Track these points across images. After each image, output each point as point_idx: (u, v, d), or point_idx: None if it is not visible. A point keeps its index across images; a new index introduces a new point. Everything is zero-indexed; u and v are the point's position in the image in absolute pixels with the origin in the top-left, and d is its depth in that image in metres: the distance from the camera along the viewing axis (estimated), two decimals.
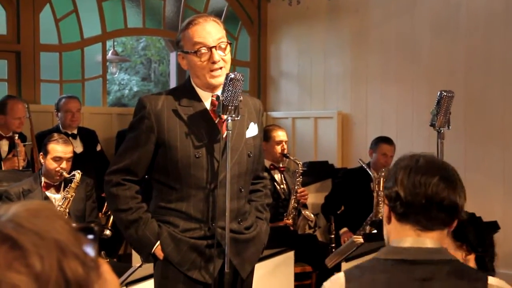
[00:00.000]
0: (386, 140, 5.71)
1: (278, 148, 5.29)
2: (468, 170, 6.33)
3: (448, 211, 1.79)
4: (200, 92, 2.79)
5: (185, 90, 2.80)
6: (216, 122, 2.75)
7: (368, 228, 5.19)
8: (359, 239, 3.81)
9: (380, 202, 5.25)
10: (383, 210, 1.88)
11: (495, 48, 6.16)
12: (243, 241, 2.81)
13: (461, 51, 6.38)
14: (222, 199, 2.69)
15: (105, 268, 1.10)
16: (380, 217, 5.20)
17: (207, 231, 2.72)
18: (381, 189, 5.28)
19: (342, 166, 7.05)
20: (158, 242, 2.70)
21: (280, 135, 5.33)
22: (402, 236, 1.82)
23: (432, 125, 3.12)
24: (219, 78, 2.72)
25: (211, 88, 2.77)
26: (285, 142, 5.36)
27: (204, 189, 2.71)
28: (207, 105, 2.78)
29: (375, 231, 4.85)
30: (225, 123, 2.70)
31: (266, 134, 5.27)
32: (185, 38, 2.75)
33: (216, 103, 2.74)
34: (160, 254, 2.71)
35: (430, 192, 1.77)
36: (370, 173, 5.43)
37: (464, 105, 6.26)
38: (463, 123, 6.29)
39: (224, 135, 2.73)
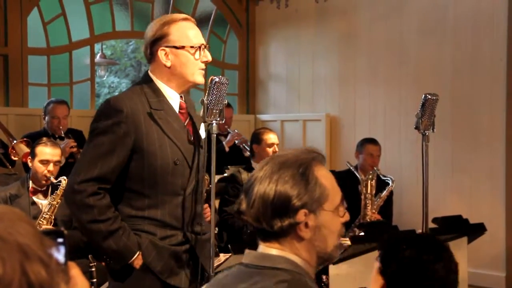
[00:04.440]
0: (371, 141, 5.75)
1: (270, 151, 5.30)
2: (455, 172, 6.36)
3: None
4: (169, 92, 2.68)
5: (153, 91, 2.65)
6: (185, 124, 2.71)
7: (355, 230, 5.20)
8: (346, 241, 3.81)
9: (368, 205, 5.28)
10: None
11: (482, 50, 6.19)
12: (204, 241, 2.82)
13: (449, 53, 6.41)
14: (193, 204, 2.68)
15: (75, 271, 1.10)
16: (368, 220, 5.22)
17: (182, 237, 2.69)
18: (368, 191, 5.30)
19: (330, 169, 7.04)
20: (139, 252, 2.60)
21: (271, 137, 5.36)
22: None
23: (417, 127, 3.13)
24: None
25: (190, 87, 2.73)
26: (277, 144, 5.38)
27: (179, 195, 2.66)
28: (175, 106, 2.70)
29: (362, 233, 4.86)
30: (191, 125, 2.70)
31: (257, 137, 5.32)
32: (178, 32, 2.61)
33: (184, 105, 2.70)
34: (138, 264, 2.61)
35: (249, 190, 1.62)
36: (358, 175, 5.46)
37: (451, 107, 6.29)
38: (450, 125, 6.32)
39: (192, 138, 2.70)
